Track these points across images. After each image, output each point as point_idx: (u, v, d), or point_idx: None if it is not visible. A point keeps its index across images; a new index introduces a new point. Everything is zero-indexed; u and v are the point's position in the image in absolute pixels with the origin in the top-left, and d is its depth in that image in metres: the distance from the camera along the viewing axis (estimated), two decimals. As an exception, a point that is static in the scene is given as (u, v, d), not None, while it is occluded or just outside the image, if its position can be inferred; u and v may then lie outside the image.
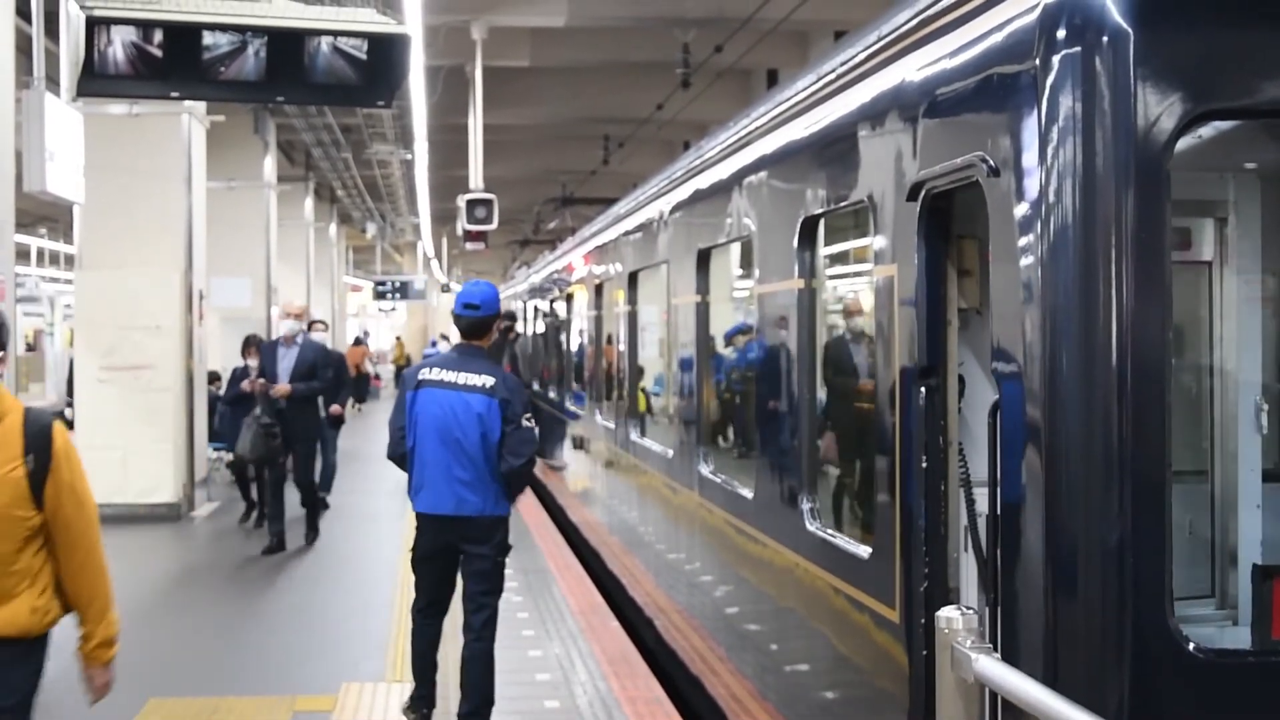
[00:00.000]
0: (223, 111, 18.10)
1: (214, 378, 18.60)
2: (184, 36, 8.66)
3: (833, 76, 6.17)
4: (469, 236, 21.26)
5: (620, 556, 12.44)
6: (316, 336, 16.52)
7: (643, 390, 12.23)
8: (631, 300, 12.18)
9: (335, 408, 16.71)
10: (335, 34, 8.93)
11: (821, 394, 6.73)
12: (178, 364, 16.39)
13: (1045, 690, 3.69)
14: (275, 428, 13.82)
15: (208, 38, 8.71)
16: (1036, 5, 4.19)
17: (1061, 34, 4.07)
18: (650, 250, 10.90)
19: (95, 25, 8.45)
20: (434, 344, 40.59)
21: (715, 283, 9.00)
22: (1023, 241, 4.20)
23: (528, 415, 7.65)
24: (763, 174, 7.31)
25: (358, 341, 40.47)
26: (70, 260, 31.03)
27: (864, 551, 5.67)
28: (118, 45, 8.62)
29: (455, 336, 8.08)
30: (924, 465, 4.97)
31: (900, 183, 5.15)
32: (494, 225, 20.67)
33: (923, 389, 4.98)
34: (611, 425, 13.28)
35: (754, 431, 7.56)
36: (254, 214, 23.62)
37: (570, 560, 13.70)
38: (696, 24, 18.72)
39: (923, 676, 4.91)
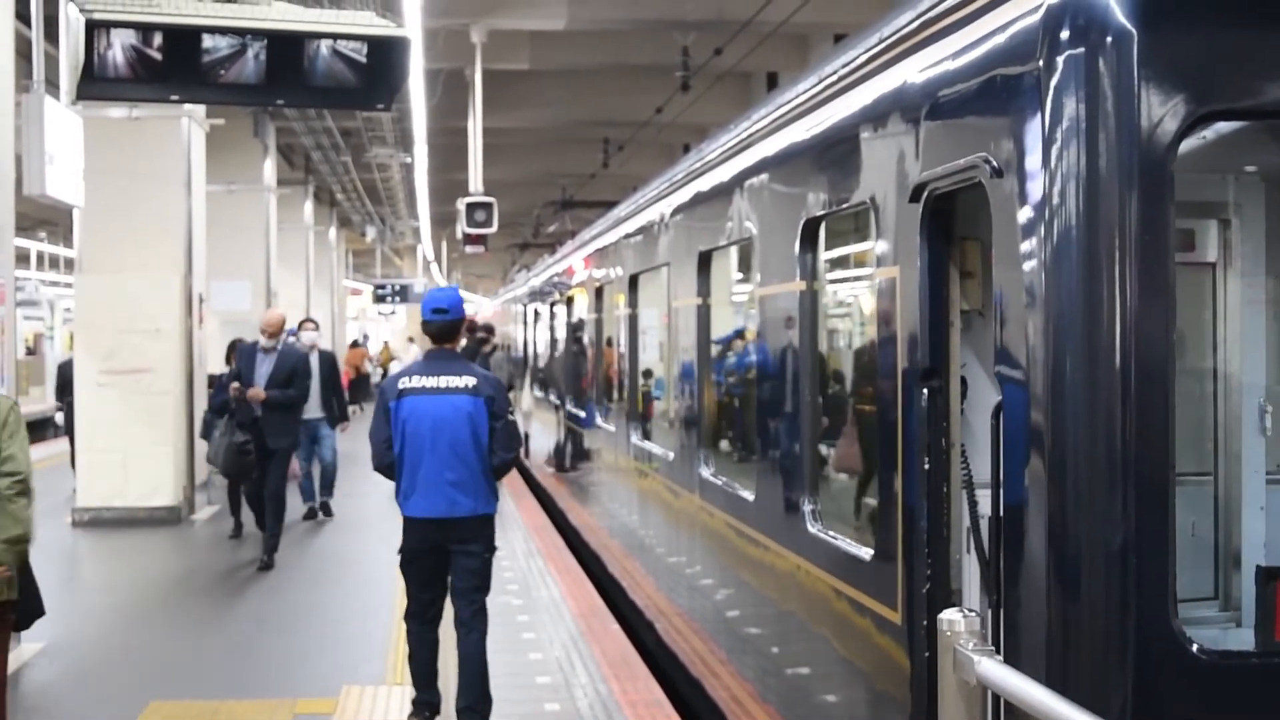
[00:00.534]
0: (222, 115, 18.09)
1: (213, 381, 18.59)
2: (183, 39, 8.66)
3: (834, 78, 6.17)
4: (469, 240, 21.25)
5: (621, 559, 12.43)
6: (308, 336, 16.56)
7: (644, 393, 12.22)
8: (632, 303, 12.17)
9: (344, 425, 17.11)
10: (335, 37, 8.92)
11: (823, 396, 6.73)
12: (178, 367, 16.38)
13: (1048, 693, 3.68)
14: (249, 444, 13.21)
15: (207, 41, 8.70)
16: (1040, 6, 4.18)
17: (1065, 35, 4.06)
18: (650, 252, 10.89)
19: (95, 28, 8.44)
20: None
21: (716, 285, 9.00)
22: (1026, 243, 4.19)
23: (510, 409, 7.96)
24: (764, 176, 7.31)
25: (355, 344, 40.45)
26: (70, 264, 31.04)
27: (866, 554, 5.66)
28: (117, 48, 8.62)
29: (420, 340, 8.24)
30: (926, 467, 4.97)
31: (902, 184, 5.14)
32: (494, 228, 20.66)
33: (925, 391, 4.97)
34: (612, 428, 13.27)
35: (755, 434, 7.55)
36: (254, 217, 23.60)
37: (570, 563, 13.69)
38: (696, 27, 18.72)
39: (924, 679, 4.90)
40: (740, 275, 8.75)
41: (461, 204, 20.69)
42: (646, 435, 11.66)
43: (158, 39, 8.64)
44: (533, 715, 8.38)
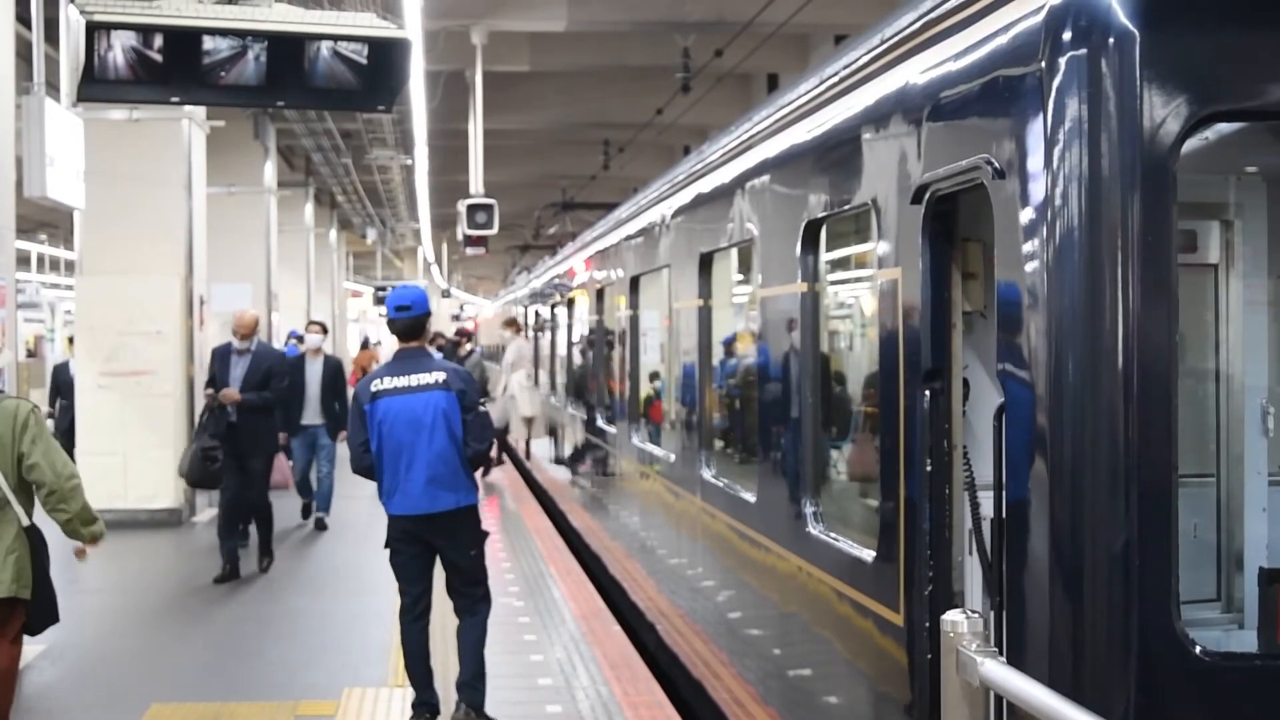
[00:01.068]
0: (223, 117, 18.09)
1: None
2: (184, 41, 8.65)
3: (836, 80, 6.16)
4: (469, 241, 21.25)
5: (622, 561, 12.42)
6: (313, 340, 16.30)
7: (645, 395, 12.21)
8: (633, 304, 12.17)
9: (343, 432, 15.81)
10: (335, 38, 8.91)
11: (825, 398, 6.72)
12: (178, 369, 16.38)
13: (1051, 694, 3.67)
14: (215, 450, 12.41)
15: (208, 42, 8.69)
16: (1042, 7, 4.17)
17: (1067, 36, 4.06)
18: (651, 254, 10.89)
19: (95, 30, 8.43)
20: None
21: (717, 287, 8.99)
22: (1028, 244, 4.19)
23: (482, 400, 8.17)
24: (766, 177, 7.30)
25: (365, 345, 40.36)
26: (70, 266, 31.02)
27: (868, 555, 5.65)
28: (118, 50, 8.61)
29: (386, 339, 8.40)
30: (928, 468, 4.96)
31: (904, 186, 5.14)
32: (494, 230, 20.66)
33: (927, 392, 4.96)
34: (613, 429, 13.26)
35: (757, 435, 7.54)
36: (254, 219, 23.61)
37: (571, 564, 13.69)
38: (696, 28, 18.71)
39: (927, 680, 4.89)
40: (741, 277, 8.75)
41: (462, 206, 20.69)
42: (647, 437, 11.65)
43: (158, 41, 8.63)
44: (534, 717, 8.38)
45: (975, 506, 4.78)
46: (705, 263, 8.89)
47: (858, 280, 6.84)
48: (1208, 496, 5.34)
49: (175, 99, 9.62)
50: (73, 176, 11.65)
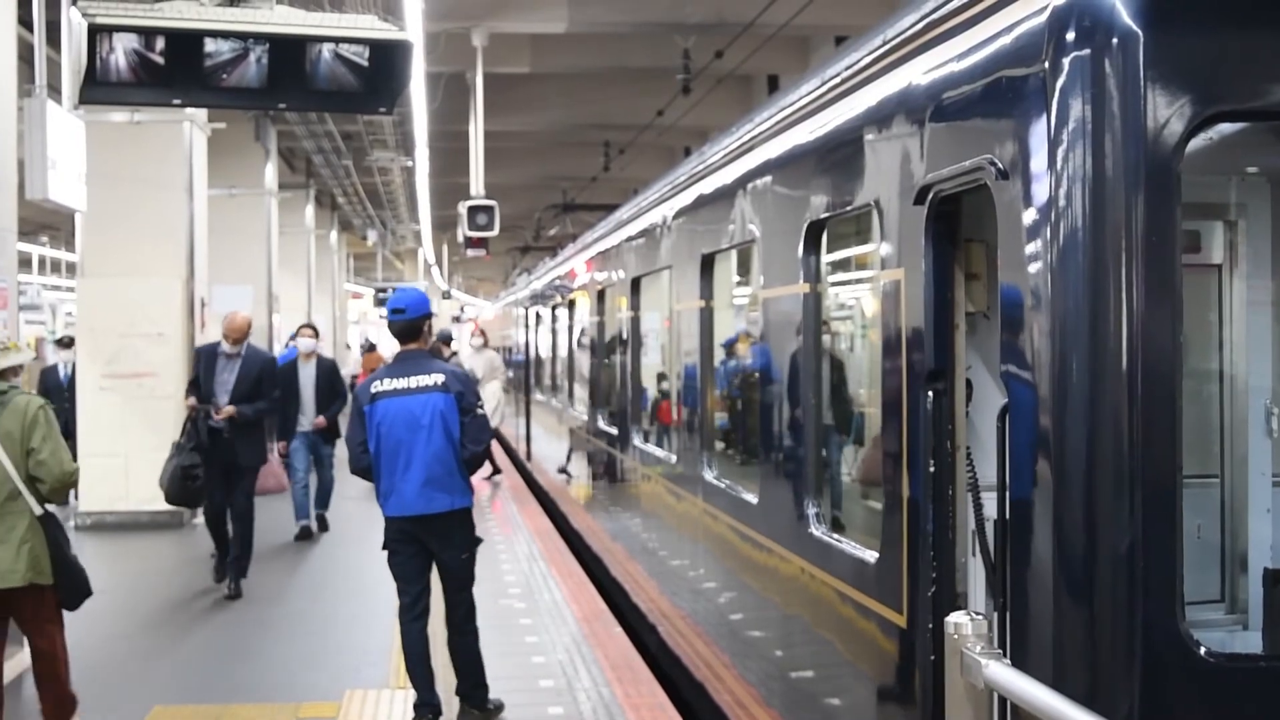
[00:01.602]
0: (224, 119, 18.10)
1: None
2: (185, 44, 8.65)
3: (838, 80, 6.16)
4: (470, 243, 21.24)
5: (623, 562, 12.41)
6: (305, 344, 15.93)
7: (646, 396, 12.20)
8: (634, 306, 12.16)
9: (320, 419, 15.62)
10: (337, 40, 8.91)
11: (827, 399, 6.72)
12: (179, 372, 16.35)
13: (1056, 695, 3.67)
14: (196, 469, 11.36)
15: (209, 45, 8.69)
16: (1045, 7, 4.17)
17: (1070, 36, 4.05)
18: (653, 255, 10.88)
19: (97, 33, 8.43)
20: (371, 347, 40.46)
21: (719, 288, 8.99)
22: (1031, 245, 4.18)
23: (480, 403, 8.17)
24: (767, 179, 7.30)
25: (372, 348, 40.27)
26: (72, 268, 31.00)
27: (871, 556, 5.65)
28: (120, 53, 8.61)
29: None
30: (931, 469, 4.95)
31: (907, 187, 5.13)
32: (495, 232, 20.66)
33: (930, 393, 4.96)
34: (615, 431, 13.25)
35: (759, 437, 7.54)
36: (255, 221, 23.62)
37: (573, 566, 13.68)
38: (697, 29, 18.71)
39: (930, 682, 4.89)
40: (743, 278, 8.74)
41: (463, 207, 20.68)
42: (648, 438, 11.64)
43: (160, 43, 8.63)
44: (536, 718, 8.37)
45: (978, 507, 4.77)
46: (707, 264, 8.89)
47: (860, 281, 6.84)
48: (1212, 497, 5.34)
49: (177, 101, 9.63)
50: (74, 179, 11.64)
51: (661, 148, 28.28)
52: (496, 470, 21.81)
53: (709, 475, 8.71)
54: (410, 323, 8.15)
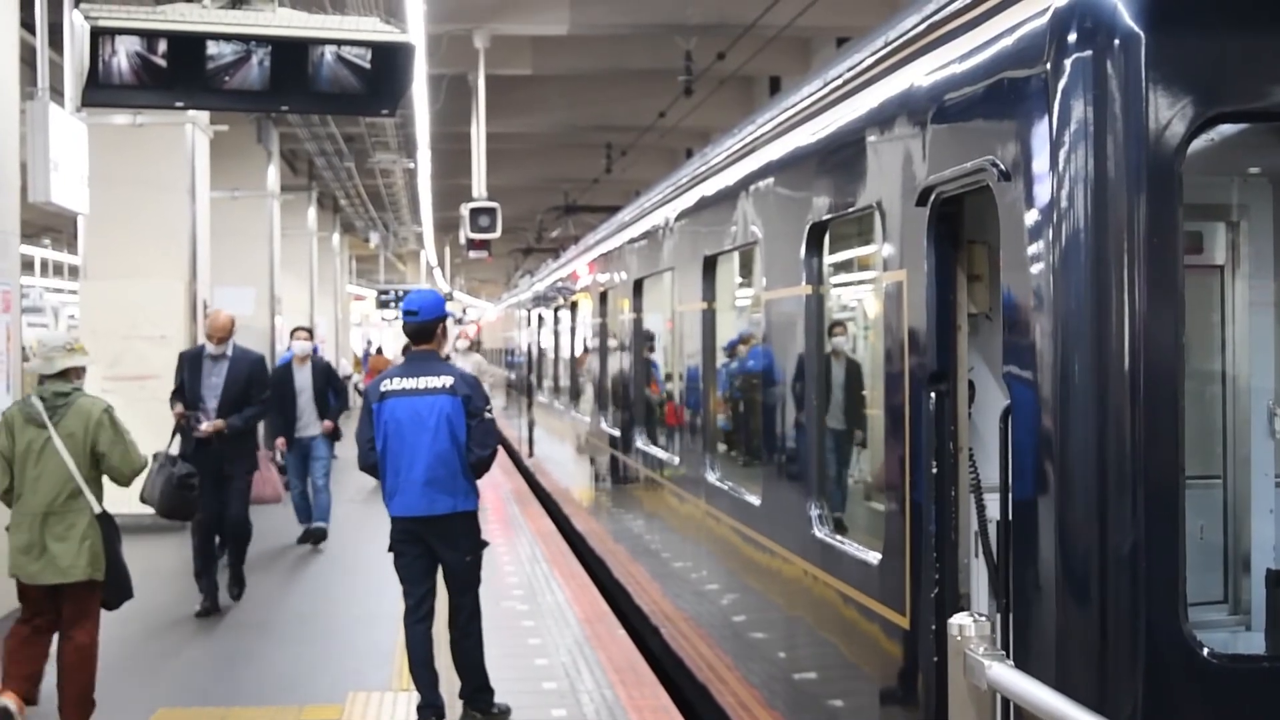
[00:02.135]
0: (226, 121, 18.11)
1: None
2: (188, 46, 8.64)
3: (840, 82, 6.16)
4: (472, 245, 21.26)
5: (626, 564, 12.42)
6: (300, 346, 15.43)
7: (648, 398, 12.20)
8: (636, 308, 12.16)
9: (328, 423, 15.20)
10: (339, 43, 8.90)
11: (829, 400, 6.72)
12: (182, 374, 16.35)
13: (1059, 697, 3.67)
14: (192, 477, 10.17)
15: (211, 47, 8.68)
16: (1047, 9, 4.17)
17: (1072, 38, 4.05)
18: (655, 257, 10.89)
19: (99, 36, 8.42)
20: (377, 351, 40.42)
21: (721, 290, 8.99)
22: (1034, 246, 4.18)
23: (488, 407, 8.16)
24: (769, 180, 7.30)
25: (378, 352, 40.25)
26: (74, 271, 31.00)
27: (874, 558, 5.65)
28: (122, 55, 8.60)
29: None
30: (934, 471, 4.95)
31: (909, 188, 5.13)
32: (497, 233, 20.67)
33: (933, 394, 4.96)
34: (616, 433, 13.25)
35: (761, 438, 7.54)
36: (257, 223, 23.63)
37: (575, 568, 13.68)
38: (698, 31, 18.73)
39: (934, 684, 4.89)
40: (745, 279, 8.75)
41: (465, 209, 20.70)
42: (650, 440, 11.64)
43: (162, 46, 8.61)
44: (539, 721, 8.39)
45: (981, 509, 4.78)
46: (709, 265, 8.89)
47: (862, 283, 6.84)
48: (1214, 498, 5.34)
49: (179, 104, 9.62)
50: (77, 181, 11.66)
51: (663, 149, 28.29)
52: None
53: (711, 477, 8.71)
54: (423, 324, 8.18)
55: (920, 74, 5.13)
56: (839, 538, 6.24)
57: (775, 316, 7.11)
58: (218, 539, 11.98)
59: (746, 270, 8.62)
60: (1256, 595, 5.14)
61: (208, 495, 11.13)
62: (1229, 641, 5.15)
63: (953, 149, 4.78)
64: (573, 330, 18.24)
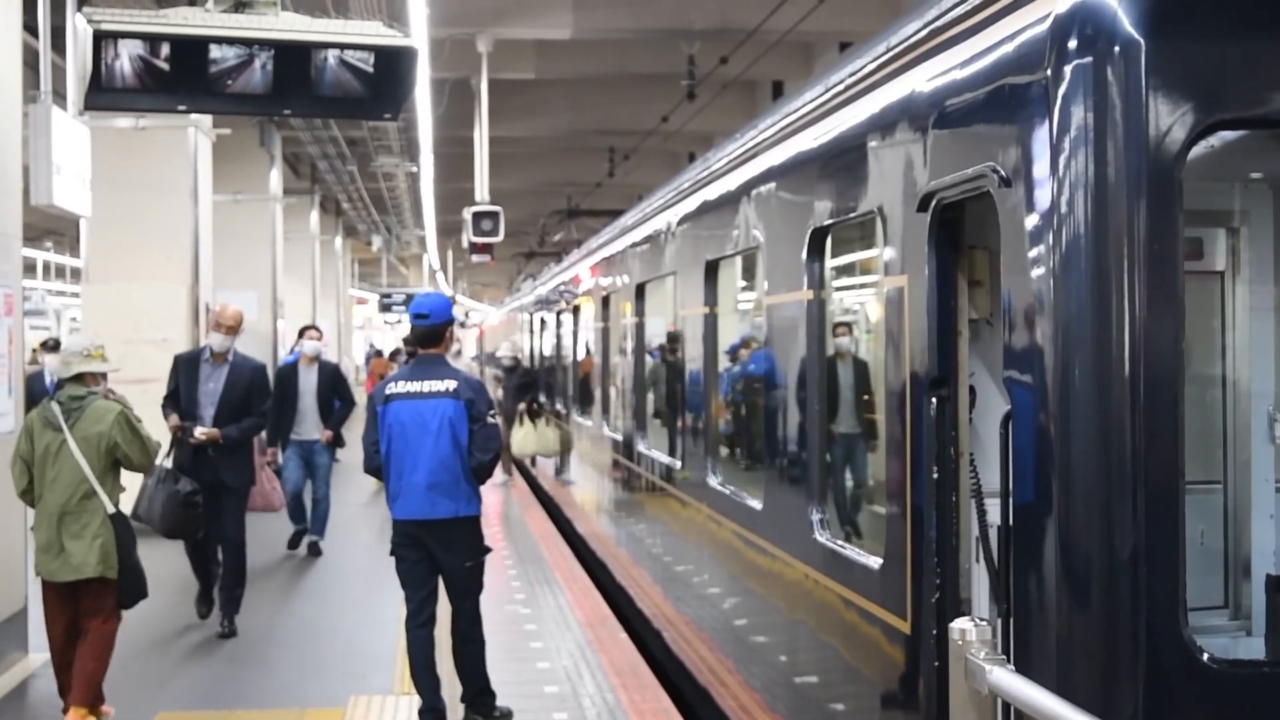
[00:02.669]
0: (229, 125, 18.13)
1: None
2: (191, 50, 8.65)
3: (841, 87, 6.17)
4: (475, 249, 21.28)
5: (628, 568, 12.42)
6: (310, 346, 14.99)
7: (649, 401, 12.21)
8: (639, 311, 12.17)
9: (329, 433, 14.73)
10: (342, 47, 8.91)
11: (830, 405, 6.72)
12: (184, 377, 16.34)
13: (1059, 701, 3.68)
14: (197, 494, 9.54)
15: (214, 51, 8.69)
16: (1048, 15, 4.17)
17: (1073, 44, 4.06)
18: (657, 261, 10.89)
19: (102, 39, 8.44)
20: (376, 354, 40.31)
21: (723, 294, 8.99)
22: (1034, 252, 4.19)
23: (491, 412, 8.16)
24: (771, 185, 7.31)
25: (379, 354, 40.24)
26: (76, 274, 31.04)
27: (875, 562, 5.65)
28: (125, 59, 8.61)
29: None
30: (935, 476, 4.96)
31: (910, 193, 5.14)
32: (500, 237, 20.69)
33: (934, 399, 4.96)
34: (618, 436, 13.26)
35: (763, 442, 7.55)
36: (260, 227, 23.63)
37: (577, 572, 13.68)
38: (701, 35, 18.74)
39: (934, 688, 4.89)
40: (747, 284, 8.75)
41: (467, 213, 20.71)
42: (653, 444, 11.64)
43: (165, 49, 8.63)
44: (541, 724, 8.39)
45: (982, 514, 4.78)
46: (711, 270, 8.90)
47: (864, 287, 6.84)
48: (1215, 503, 5.34)
49: (182, 107, 9.61)
50: (79, 184, 11.67)
51: (666, 153, 28.32)
52: (507, 473, 21.85)
53: (713, 481, 8.72)
54: (433, 328, 8.18)
55: (922, 80, 5.14)
56: (840, 542, 6.25)
57: (777, 321, 7.12)
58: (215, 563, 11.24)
59: (749, 275, 8.62)
60: (1257, 600, 5.14)
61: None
62: (1229, 647, 5.15)
63: (954, 154, 4.79)
64: (575, 334, 18.24)
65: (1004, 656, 4.23)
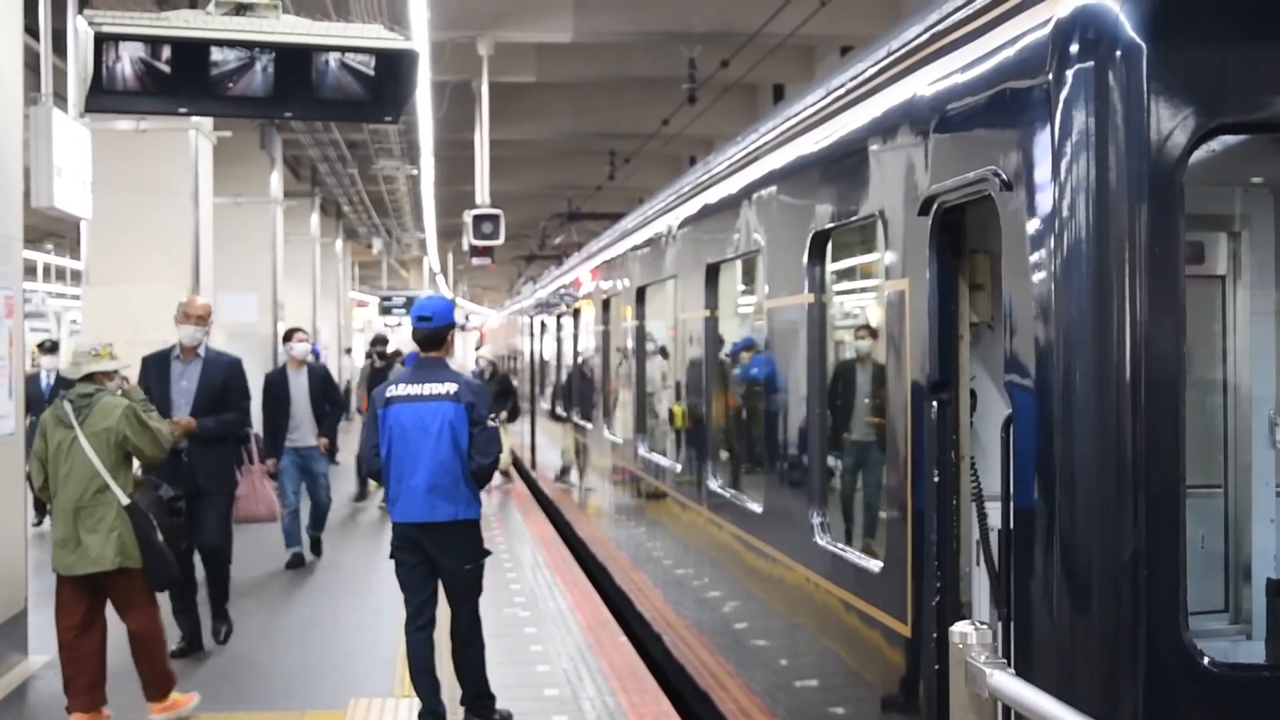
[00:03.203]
0: (229, 127, 18.14)
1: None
2: (192, 52, 8.65)
3: (843, 91, 6.17)
4: (475, 251, 21.28)
5: (628, 571, 12.42)
6: (299, 349, 14.59)
7: (650, 405, 12.21)
8: (639, 315, 12.17)
9: (324, 441, 14.49)
10: (343, 50, 8.91)
11: (831, 409, 6.72)
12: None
13: (1060, 705, 3.68)
14: (179, 500, 8.77)
15: (216, 54, 8.69)
16: (1049, 20, 4.18)
17: (1074, 48, 4.06)
18: (658, 264, 10.90)
19: (103, 41, 8.44)
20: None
21: (724, 297, 9.00)
22: (1035, 256, 4.19)
23: (492, 415, 8.18)
24: (772, 188, 7.31)
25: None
26: (77, 276, 31.04)
27: (875, 566, 5.65)
28: (126, 61, 8.61)
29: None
30: (936, 479, 4.96)
31: (911, 197, 5.15)
32: (500, 240, 20.69)
33: (935, 403, 4.96)
34: (619, 439, 13.26)
35: (763, 446, 7.55)
36: (260, 229, 23.65)
37: (578, 575, 13.68)
38: (702, 39, 18.75)
39: (935, 692, 4.89)
40: (748, 287, 8.76)
41: (468, 216, 20.72)
42: (652, 447, 11.65)
43: (166, 52, 8.62)
44: (541, 727, 8.39)
45: (983, 517, 4.78)
46: (712, 273, 8.90)
47: (865, 291, 6.84)
48: (1215, 507, 5.35)
49: (183, 110, 9.61)
50: (80, 187, 11.67)
51: (667, 157, 28.32)
52: (506, 477, 21.86)
53: (713, 484, 8.72)
54: (435, 331, 8.20)
55: (923, 84, 5.14)
56: (841, 545, 6.25)
57: (777, 325, 7.12)
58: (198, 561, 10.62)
59: (749, 278, 8.62)
60: (1257, 604, 5.15)
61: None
62: (1230, 650, 5.15)
63: (955, 158, 4.79)
64: (575, 337, 18.24)
65: (1004, 660, 4.23)
